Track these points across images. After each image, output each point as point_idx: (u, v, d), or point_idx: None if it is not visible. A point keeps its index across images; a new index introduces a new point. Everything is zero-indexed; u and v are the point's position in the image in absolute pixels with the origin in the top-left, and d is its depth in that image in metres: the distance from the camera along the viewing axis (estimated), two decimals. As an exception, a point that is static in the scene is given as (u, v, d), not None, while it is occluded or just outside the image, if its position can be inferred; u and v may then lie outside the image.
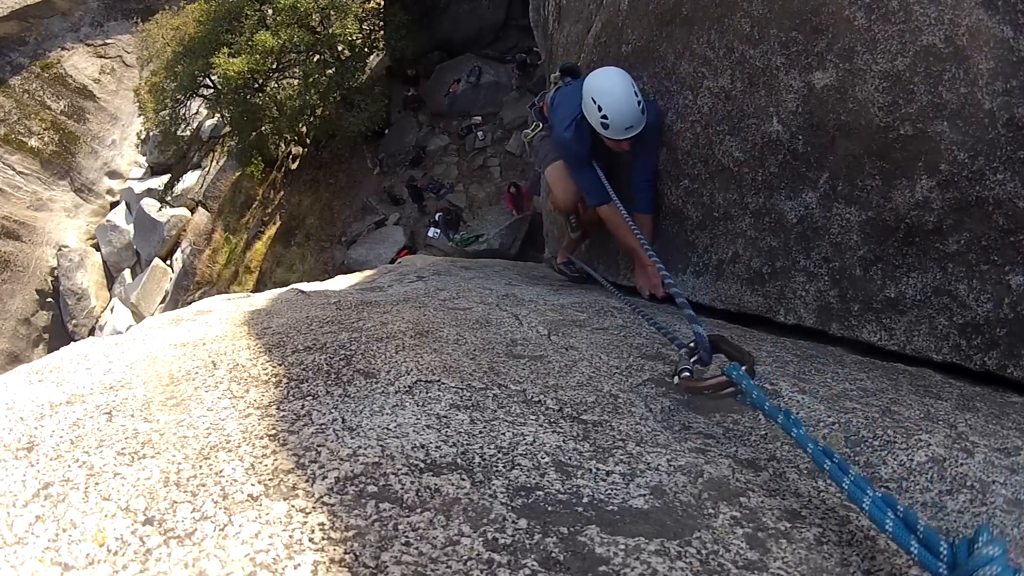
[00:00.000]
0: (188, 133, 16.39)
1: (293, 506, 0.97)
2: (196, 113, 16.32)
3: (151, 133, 16.81)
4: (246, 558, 0.86)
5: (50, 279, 21.01)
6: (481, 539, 0.91)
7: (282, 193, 17.09)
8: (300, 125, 14.80)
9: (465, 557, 0.88)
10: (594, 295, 2.75)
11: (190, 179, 20.07)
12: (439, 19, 15.02)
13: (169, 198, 18.84)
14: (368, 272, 4.44)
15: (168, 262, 19.78)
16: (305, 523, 0.93)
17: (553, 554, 0.89)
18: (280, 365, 1.54)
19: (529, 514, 0.98)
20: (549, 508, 1.00)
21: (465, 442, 1.19)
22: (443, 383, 1.45)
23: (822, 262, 2.03)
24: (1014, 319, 1.61)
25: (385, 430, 1.21)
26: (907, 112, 1.71)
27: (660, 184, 2.75)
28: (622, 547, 0.91)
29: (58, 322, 20.60)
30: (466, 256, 10.06)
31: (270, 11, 13.88)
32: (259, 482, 1.03)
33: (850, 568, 0.92)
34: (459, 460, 1.12)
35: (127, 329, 2.33)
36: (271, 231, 16.72)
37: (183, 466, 1.07)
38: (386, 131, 15.16)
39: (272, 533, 0.91)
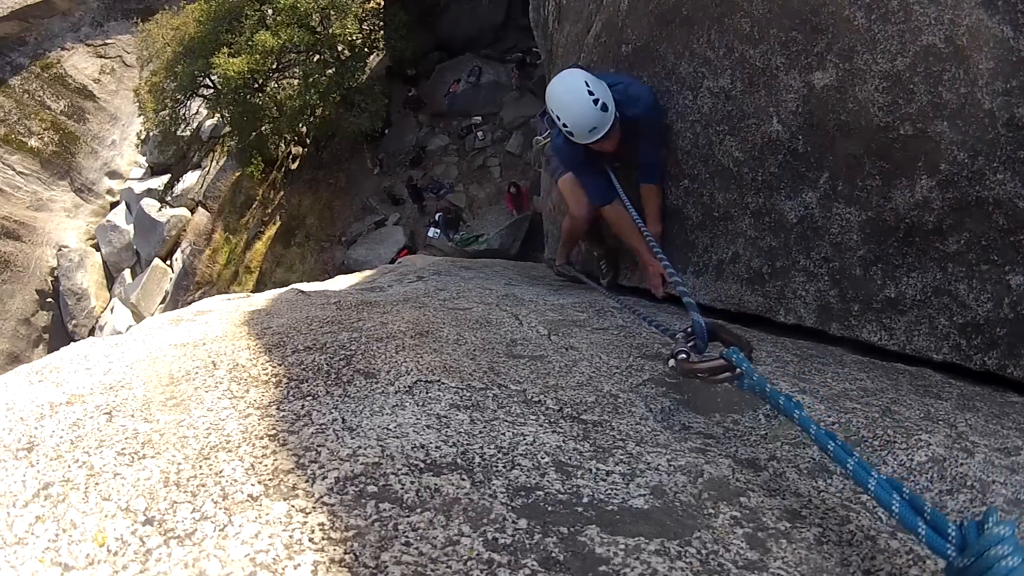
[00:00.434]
0: (188, 133, 16.40)
1: (293, 506, 0.97)
2: (196, 113, 16.32)
3: (151, 133, 16.80)
4: (246, 558, 0.86)
5: (50, 279, 21.01)
6: (481, 539, 0.91)
7: (282, 193, 17.09)
8: (300, 125, 14.81)
9: (465, 557, 0.88)
10: (594, 295, 2.75)
11: (190, 179, 20.07)
12: (439, 19, 15.04)
13: (169, 198, 18.85)
14: (368, 272, 4.44)
15: (168, 262, 19.79)
16: (305, 523, 0.93)
17: (553, 554, 0.89)
18: (280, 365, 1.54)
19: (529, 514, 0.98)
20: (549, 508, 1.00)
21: (465, 442, 1.19)
22: (443, 383, 1.45)
23: (822, 262, 2.03)
24: (1014, 319, 1.61)
25: (385, 430, 1.21)
26: (907, 112, 1.71)
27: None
28: (622, 547, 0.91)
29: (58, 322, 20.60)
30: (466, 256, 10.05)
31: (270, 11, 13.89)
32: (259, 482, 1.03)
33: (850, 568, 0.92)
34: (459, 460, 1.12)
35: (127, 329, 2.33)
36: (271, 231, 16.73)
37: (183, 466, 1.07)
38: (386, 131, 15.16)
39: (272, 533, 0.91)
